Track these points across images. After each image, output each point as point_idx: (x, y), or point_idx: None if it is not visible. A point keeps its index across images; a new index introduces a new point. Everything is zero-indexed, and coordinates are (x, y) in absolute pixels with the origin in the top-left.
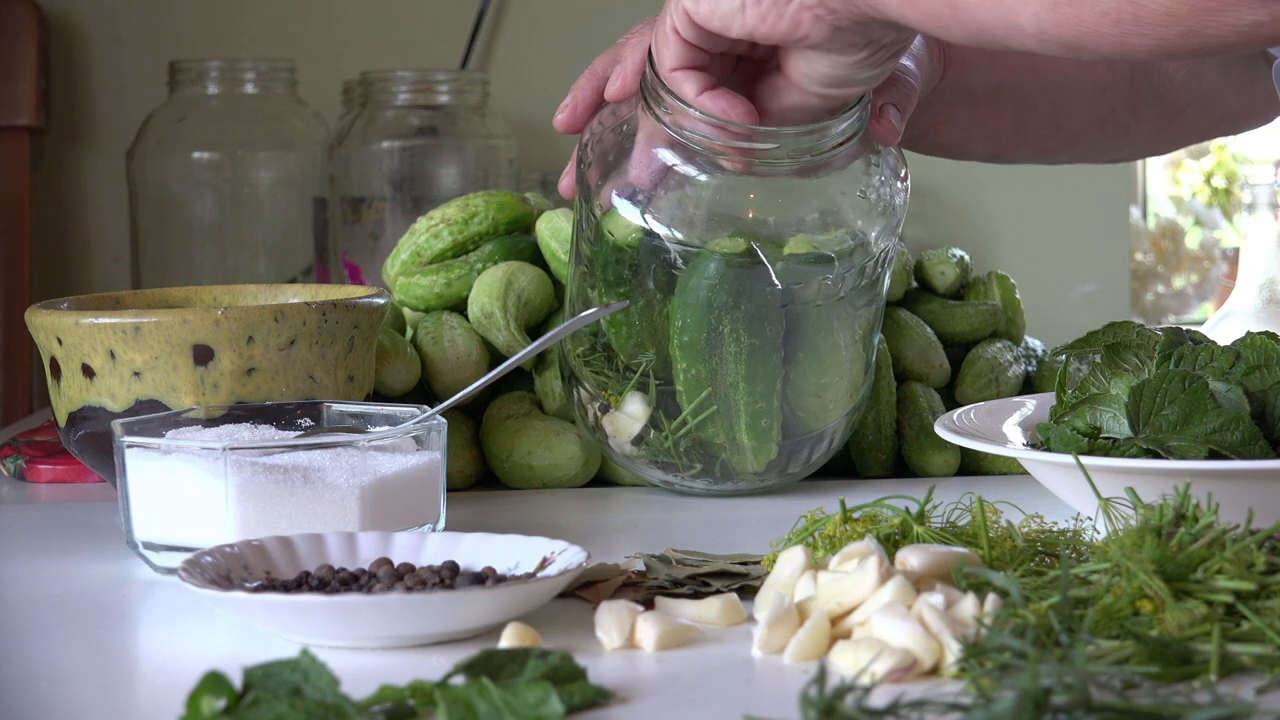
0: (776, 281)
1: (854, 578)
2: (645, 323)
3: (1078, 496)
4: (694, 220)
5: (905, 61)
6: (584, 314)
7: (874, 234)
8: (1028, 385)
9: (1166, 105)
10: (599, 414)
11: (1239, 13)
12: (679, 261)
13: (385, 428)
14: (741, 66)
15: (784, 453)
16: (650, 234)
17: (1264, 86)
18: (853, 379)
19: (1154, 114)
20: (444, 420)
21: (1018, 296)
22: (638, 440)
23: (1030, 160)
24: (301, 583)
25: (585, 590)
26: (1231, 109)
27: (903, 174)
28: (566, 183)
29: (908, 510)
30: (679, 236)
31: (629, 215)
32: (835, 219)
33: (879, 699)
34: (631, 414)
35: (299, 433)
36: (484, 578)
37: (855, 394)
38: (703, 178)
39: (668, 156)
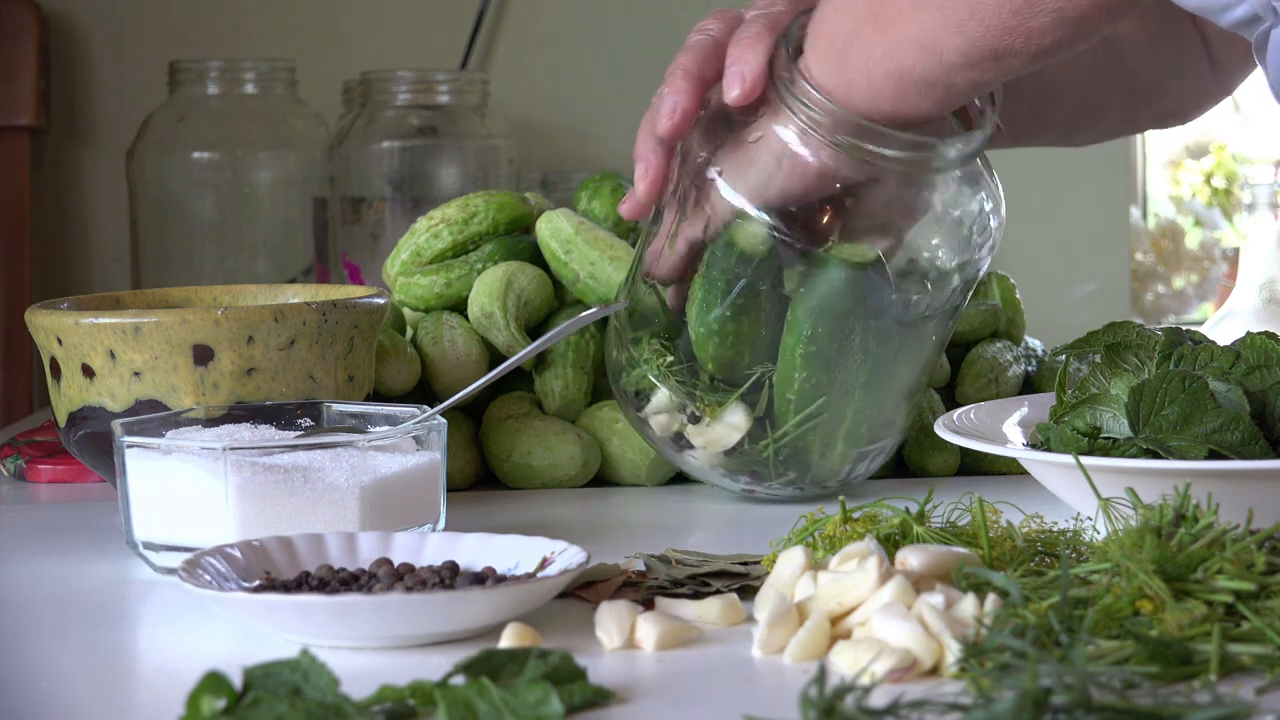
0: (900, 293)
1: (854, 578)
2: (751, 332)
3: (1078, 496)
4: (829, 228)
5: None
6: (584, 314)
7: (983, 252)
8: (1028, 385)
9: (1130, 99)
10: (685, 424)
11: None
12: (798, 269)
13: (385, 428)
14: None
15: (863, 456)
16: (783, 244)
17: (1202, 86)
18: (925, 387)
19: (1120, 105)
20: (444, 420)
21: (1018, 296)
22: (730, 450)
23: (1001, 146)
24: (301, 583)
25: (585, 590)
26: (1174, 106)
27: (999, 187)
28: (647, 188)
29: (908, 510)
30: (809, 245)
31: (764, 225)
32: (956, 234)
33: (879, 699)
34: (733, 424)
35: (299, 433)
36: (484, 578)
37: (920, 400)
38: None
39: (809, 159)
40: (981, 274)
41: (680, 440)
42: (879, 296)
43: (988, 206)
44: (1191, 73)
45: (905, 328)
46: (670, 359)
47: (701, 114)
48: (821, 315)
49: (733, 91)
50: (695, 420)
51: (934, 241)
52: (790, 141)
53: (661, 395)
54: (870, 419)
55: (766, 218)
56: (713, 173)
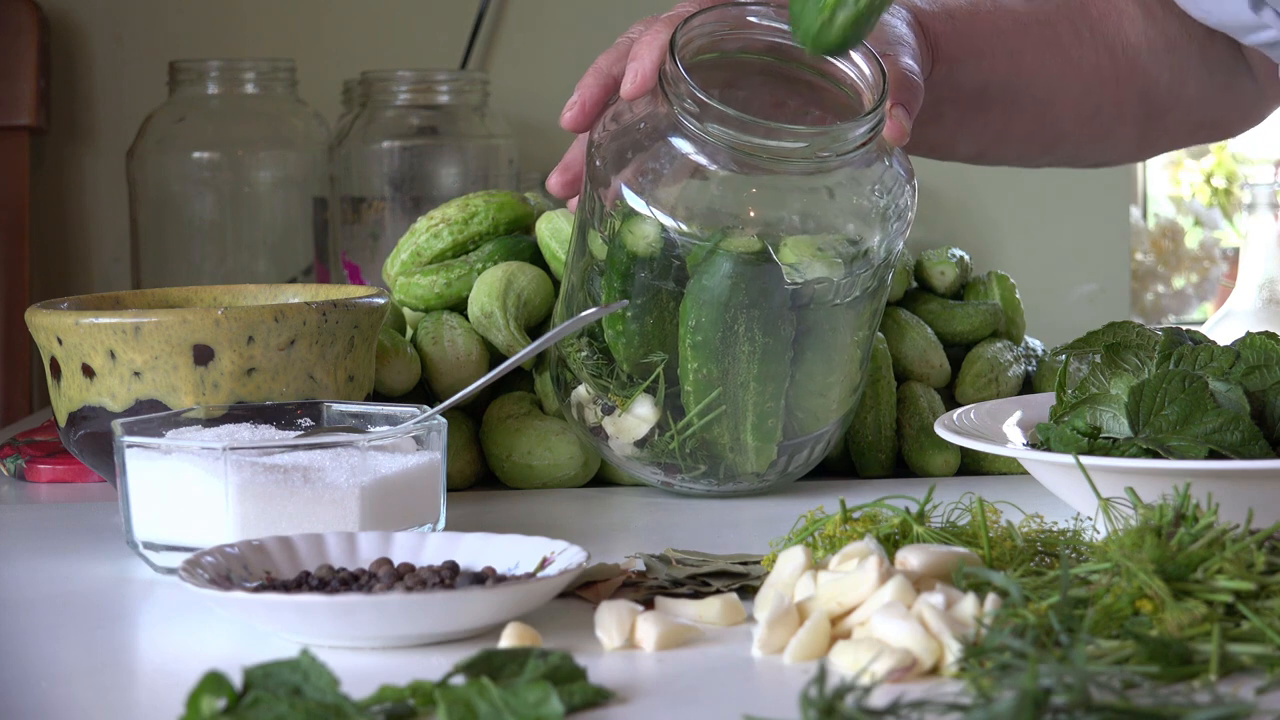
0: (790, 281)
1: (854, 578)
2: (656, 330)
3: (1078, 496)
4: (710, 218)
5: (910, 62)
6: (584, 314)
7: (885, 237)
8: (1028, 385)
9: (1151, 107)
10: (600, 415)
11: None
12: (688, 262)
13: (385, 428)
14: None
15: (784, 453)
16: (670, 236)
17: (1243, 96)
18: (853, 379)
19: (1138, 115)
20: (444, 420)
21: (1018, 296)
22: (642, 442)
23: (1014, 162)
24: (301, 583)
25: (585, 590)
26: (1212, 114)
27: (910, 177)
28: (557, 180)
29: (908, 510)
30: (695, 234)
31: (649, 213)
32: (848, 221)
33: (879, 699)
34: (640, 416)
35: (299, 433)
36: (484, 578)
37: (855, 394)
38: (723, 174)
39: (688, 150)
40: (891, 263)
41: (599, 431)
42: (759, 285)
43: (894, 197)
44: (1222, 79)
45: (801, 318)
46: (586, 354)
47: (610, 109)
48: (705, 304)
49: (625, 87)
50: (609, 411)
51: (833, 232)
52: (673, 138)
53: (582, 386)
54: (776, 413)
55: (654, 213)
56: (600, 162)
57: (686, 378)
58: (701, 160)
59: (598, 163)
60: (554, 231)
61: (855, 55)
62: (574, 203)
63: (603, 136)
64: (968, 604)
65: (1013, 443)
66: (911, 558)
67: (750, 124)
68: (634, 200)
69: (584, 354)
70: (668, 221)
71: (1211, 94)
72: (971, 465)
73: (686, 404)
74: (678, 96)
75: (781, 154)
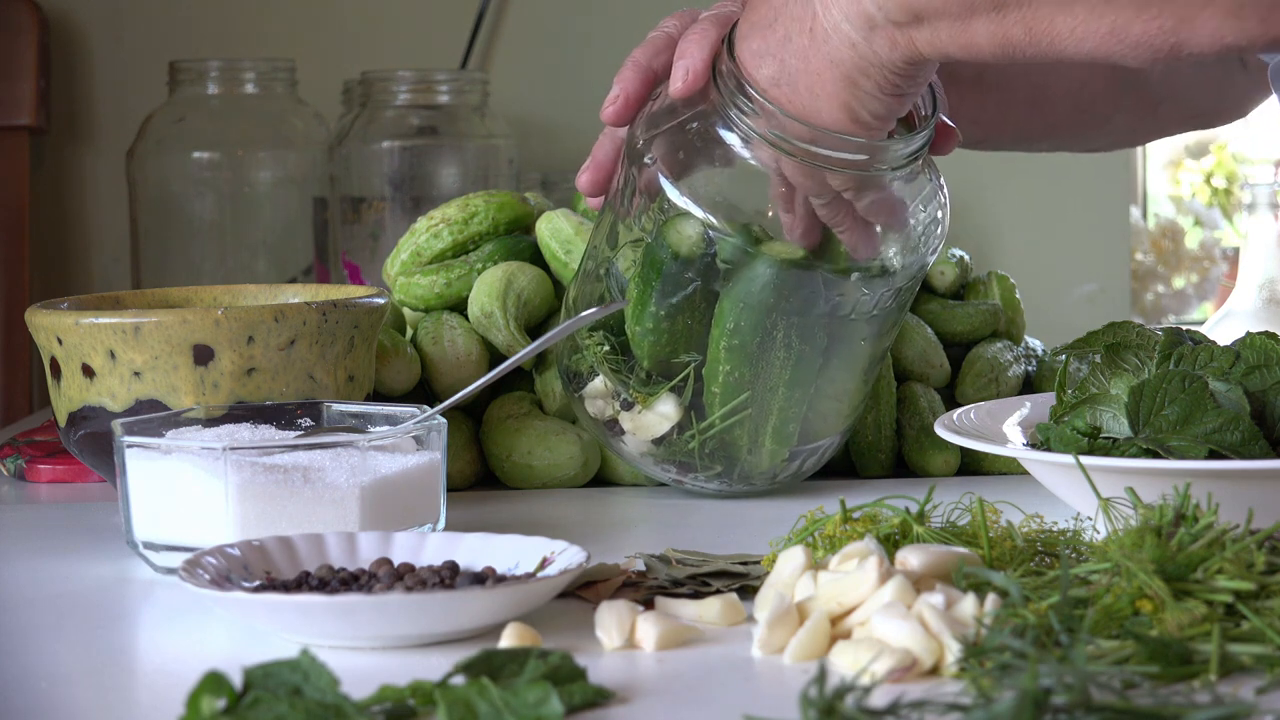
0: (829, 290)
1: (854, 578)
2: (685, 330)
3: (1078, 496)
4: (759, 222)
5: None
6: (584, 314)
7: (924, 247)
8: (1028, 385)
9: (1143, 99)
10: (617, 410)
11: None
12: (728, 263)
13: (385, 428)
14: None
15: (797, 457)
16: (713, 236)
17: (1234, 86)
18: (868, 385)
19: (1132, 106)
20: (444, 420)
21: (1018, 296)
22: (659, 440)
23: (1010, 147)
24: (301, 583)
25: (585, 590)
26: (1204, 105)
27: (945, 189)
28: (588, 179)
29: (908, 510)
30: (738, 239)
31: (697, 213)
32: (892, 232)
33: (879, 699)
34: (662, 414)
35: (299, 433)
36: (484, 578)
37: (865, 399)
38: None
39: (741, 152)
40: (916, 276)
41: (614, 426)
42: (802, 294)
43: (932, 209)
44: (1215, 70)
45: (833, 328)
46: (607, 348)
47: (650, 105)
48: (745, 309)
49: (676, 84)
50: (628, 407)
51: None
52: (727, 138)
53: (598, 380)
54: (798, 418)
55: (701, 212)
56: (649, 160)
57: (715, 379)
58: (754, 163)
59: (647, 159)
60: (554, 231)
61: None
62: (596, 201)
63: (646, 133)
64: (968, 604)
65: (1013, 443)
66: (911, 558)
67: (808, 131)
68: (681, 200)
69: (605, 348)
70: (715, 223)
71: (1205, 84)
72: (971, 465)
73: (710, 405)
74: (732, 96)
75: (838, 163)
